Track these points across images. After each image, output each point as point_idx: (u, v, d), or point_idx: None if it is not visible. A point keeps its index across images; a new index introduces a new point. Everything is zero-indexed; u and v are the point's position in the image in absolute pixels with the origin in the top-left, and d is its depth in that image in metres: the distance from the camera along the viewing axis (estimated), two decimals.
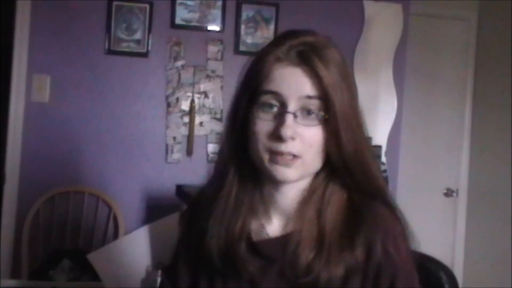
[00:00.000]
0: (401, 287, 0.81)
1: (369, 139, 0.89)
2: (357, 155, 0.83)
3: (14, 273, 2.54)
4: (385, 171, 2.83)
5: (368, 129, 0.89)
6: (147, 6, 2.67)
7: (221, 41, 2.75)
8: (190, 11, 2.72)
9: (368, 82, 2.83)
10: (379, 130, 2.89)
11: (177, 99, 2.71)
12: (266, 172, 0.82)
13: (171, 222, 2.17)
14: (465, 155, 3.48)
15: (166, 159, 2.70)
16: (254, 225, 0.88)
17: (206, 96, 2.73)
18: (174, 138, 2.70)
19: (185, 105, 2.71)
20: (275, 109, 0.80)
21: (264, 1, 2.79)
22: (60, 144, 2.62)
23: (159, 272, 1.99)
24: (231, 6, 2.76)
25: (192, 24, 2.73)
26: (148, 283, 2.03)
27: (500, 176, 3.19)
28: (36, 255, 2.55)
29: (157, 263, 2.03)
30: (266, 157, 0.81)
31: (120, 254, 2.18)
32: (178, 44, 2.71)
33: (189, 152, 2.71)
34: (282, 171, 0.80)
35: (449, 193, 3.43)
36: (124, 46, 2.67)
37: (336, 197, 0.85)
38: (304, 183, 0.85)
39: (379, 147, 2.84)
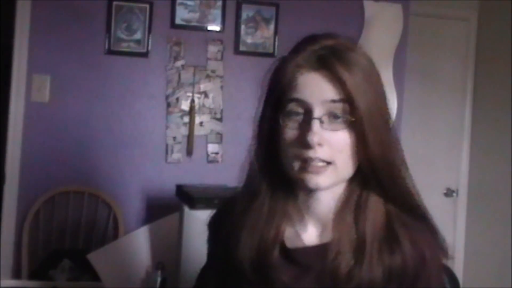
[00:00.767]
0: None
1: (398, 143, 0.86)
2: (385, 159, 0.81)
3: (15, 273, 2.54)
4: None
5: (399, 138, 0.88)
6: (147, 6, 2.67)
7: (221, 41, 2.75)
8: (190, 11, 2.72)
9: None
10: None
11: (177, 99, 2.71)
12: (298, 180, 0.81)
13: (171, 222, 2.17)
14: (465, 155, 3.48)
15: (166, 159, 2.70)
16: (288, 233, 0.86)
17: (206, 96, 2.73)
18: (174, 138, 2.70)
19: (185, 105, 2.71)
20: (301, 116, 0.79)
21: (264, 1, 2.79)
22: (60, 144, 2.62)
23: (159, 272, 1.99)
24: (231, 6, 2.76)
25: (192, 24, 2.73)
26: (148, 283, 2.03)
27: (500, 176, 3.19)
28: (36, 255, 2.55)
29: (157, 263, 2.03)
30: (296, 165, 0.80)
31: (120, 254, 2.18)
32: (178, 44, 2.71)
33: (189, 152, 2.71)
34: (314, 179, 0.79)
35: (449, 193, 3.43)
36: (124, 46, 2.67)
37: (372, 203, 0.83)
38: (339, 189, 0.84)
39: None
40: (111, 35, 2.65)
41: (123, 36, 2.66)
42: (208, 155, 2.73)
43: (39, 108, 2.60)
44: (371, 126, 0.79)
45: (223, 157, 2.73)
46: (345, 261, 0.79)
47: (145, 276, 2.13)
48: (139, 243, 2.20)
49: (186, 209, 1.84)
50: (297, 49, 0.83)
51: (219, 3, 2.74)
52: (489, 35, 3.39)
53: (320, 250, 0.82)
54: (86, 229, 2.59)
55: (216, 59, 2.75)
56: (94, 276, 2.15)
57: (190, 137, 2.70)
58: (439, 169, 3.43)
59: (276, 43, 2.78)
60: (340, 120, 0.78)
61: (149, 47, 2.68)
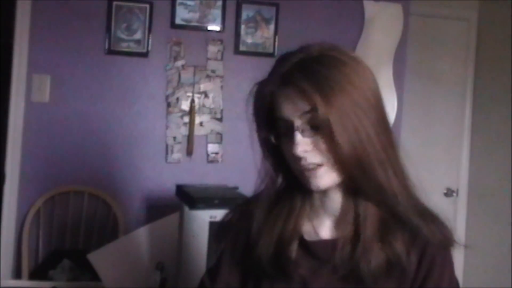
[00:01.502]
0: None
1: (385, 141, 0.86)
2: (359, 160, 0.83)
3: (15, 273, 2.55)
4: None
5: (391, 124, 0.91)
6: (147, 6, 2.67)
7: (221, 41, 2.75)
8: (190, 11, 2.72)
9: None
10: None
11: (177, 99, 2.71)
12: (304, 186, 0.89)
13: (171, 222, 2.17)
14: (465, 155, 3.48)
15: (166, 159, 2.70)
16: (306, 227, 0.93)
17: (206, 96, 2.73)
18: (174, 138, 2.70)
19: (185, 105, 2.71)
20: (288, 131, 0.85)
21: (264, 1, 2.79)
22: (60, 144, 2.62)
23: (159, 272, 1.99)
24: (231, 6, 2.76)
25: (192, 24, 2.73)
26: (148, 283, 2.03)
27: (500, 176, 3.19)
28: (36, 255, 2.55)
29: (157, 263, 2.03)
30: (298, 171, 0.87)
31: (120, 254, 2.18)
32: (178, 44, 2.71)
33: (189, 152, 2.71)
34: (314, 182, 0.86)
35: (449, 193, 3.43)
36: (124, 46, 2.67)
37: (366, 205, 0.89)
38: (342, 187, 0.90)
39: None
40: (111, 35, 2.65)
41: (123, 36, 2.66)
42: (208, 155, 2.73)
43: (39, 108, 2.60)
44: (342, 126, 0.81)
45: (223, 157, 2.74)
46: (349, 252, 0.86)
47: (145, 276, 2.13)
48: (139, 243, 2.20)
49: (186, 209, 1.84)
50: (270, 73, 0.89)
51: (219, 3, 2.74)
52: (489, 35, 3.39)
53: (334, 243, 0.89)
54: (86, 229, 2.59)
55: (216, 59, 2.75)
56: (94, 276, 2.15)
57: (190, 137, 2.70)
58: (439, 169, 3.43)
59: (276, 43, 2.78)
60: (315, 127, 0.84)
61: (149, 47, 2.68)
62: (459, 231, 3.42)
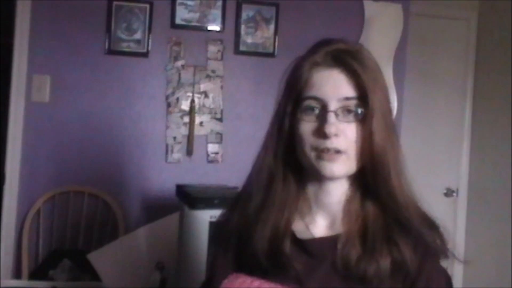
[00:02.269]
0: None
1: (398, 142, 0.90)
2: (385, 155, 0.85)
3: (15, 273, 2.54)
4: None
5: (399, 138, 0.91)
6: (147, 6, 2.67)
7: (221, 41, 2.75)
8: (190, 11, 2.72)
9: None
10: None
11: (177, 99, 2.71)
12: (314, 170, 0.86)
13: (171, 222, 2.17)
14: (465, 155, 3.48)
15: (166, 159, 2.70)
16: (298, 225, 0.91)
17: (206, 96, 2.73)
18: (174, 138, 2.70)
19: (185, 105, 2.71)
20: (317, 111, 0.85)
21: (264, 1, 2.79)
22: (60, 144, 2.62)
23: (159, 272, 1.99)
24: (231, 6, 2.76)
25: (192, 24, 2.73)
26: (148, 283, 2.03)
27: (500, 176, 3.19)
28: (36, 255, 2.55)
29: (157, 263, 2.03)
30: (313, 154, 0.85)
31: (120, 254, 2.18)
32: (178, 44, 2.71)
33: (189, 152, 2.71)
34: (330, 167, 0.84)
35: (449, 193, 3.43)
36: (124, 46, 2.67)
37: (370, 203, 0.88)
38: (347, 182, 0.89)
39: None
40: (111, 35, 2.65)
41: (123, 36, 2.66)
42: (208, 155, 2.73)
43: (39, 108, 2.60)
44: (379, 122, 0.84)
45: (223, 157, 2.73)
46: (355, 251, 0.84)
47: (145, 276, 2.13)
48: (139, 243, 2.20)
49: (186, 209, 1.84)
50: (313, 50, 0.89)
51: (219, 3, 2.74)
52: (489, 35, 3.39)
53: (331, 241, 0.87)
54: (86, 229, 2.59)
55: (216, 59, 2.74)
56: (94, 276, 2.15)
57: (190, 137, 2.70)
58: (439, 169, 3.43)
59: (276, 43, 2.78)
60: (352, 114, 0.84)
61: (149, 47, 2.68)
62: (459, 231, 3.42)
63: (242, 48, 2.77)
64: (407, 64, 3.01)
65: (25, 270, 2.49)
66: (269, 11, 2.79)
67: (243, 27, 2.77)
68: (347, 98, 0.83)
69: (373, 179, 0.85)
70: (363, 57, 0.86)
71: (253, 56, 2.77)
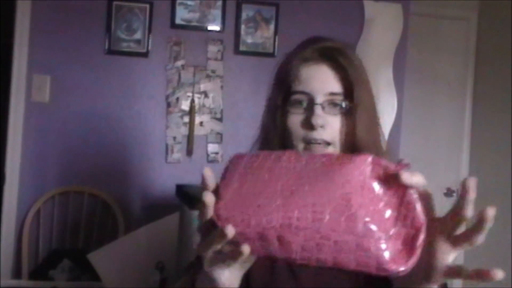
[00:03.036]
0: None
1: (382, 141, 0.93)
2: (367, 147, 0.87)
3: (15, 273, 2.54)
4: None
5: (383, 131, 0.95)
6: (147, 6, 2.67)
7: (221, 41, 2.75)
8: (190, 11, 2.72)
9: None
10: None
11: (177, 99, 2.71)
12: None
13: (171, 222, 2.17)
14: (465, 155, 3.48)
15: (166, 159, 2.70)
16: None
17: (206, 96, 2.74)
18: (174, 138, 2.70)
19: (185, 105, 2.71)
20: (305, 104, 0.88)
21: (264, 1, 2.79)
22: (60, 144, 2.62)
23: (159, 272, 1.99)
24: (231, 6, 2.76)
25: (192, 24, 2.73)
26: (148, 283, 2.03)
27: (500, 176, 3.19)
28: (36, 255, 2.55)
29: (157, 263, 2.03)
30: (301, 146, 0.88)
31: (120, 254, 2.18)
32: (178, 44, 2.71)
33: (189, 152, 2.71)
34: None
35: (449, 193, 3.43)
36: (124, 46, 2.67)
37: None
38: None
39: None
40: (111, 35, 2.65)
41: (123, 36, 2.66)
42: (208, 155, 2.73)
43: (39, 108, 2.60)
44: (362, 115, 0.87)
45: (223, 157, 2.73)
46: None
47: (145, 276, 2.13)
48: (139, 243, 2.20)
49: (186, 209, 1.84)
50: (301, 46, 0.92)
51: (219, 3, 2.74)
52: (489, 35, 3.39)
53: None
54: (86, 229, 2.59)
55: (216, 59, 2.75)
56: (94, 276, 2.15)
57: (190, 137, 2.70)
58: (439, 169, 3.43)
59: (276, 43, 2.78)
60: (338, 107, 0.88)
61: (149, 47, 2.68)
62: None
63: (242, 48, 2.77)
64: (407, 64, 3.01)
65: (25, 270, 2.49)
66: (269, 11, 2.79)
67: (243, 27, 2.77)
68: (333, 93, 0.87)
69: None
70: (349, 54, 0.90)
71: (253, 56, 2.77)
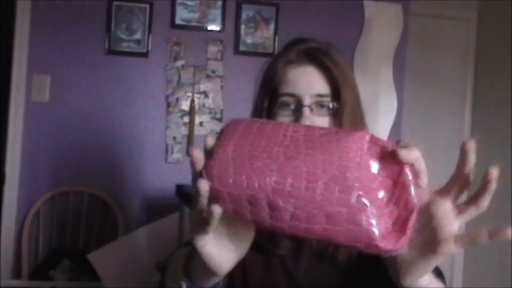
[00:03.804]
0: None
1: None
2: None
3: (15, 273, 2.54)
4: None
5: (369, 129, 0.94)
6: (147, 6, 2.67)
7: (221, 41, 2.75)
8: (190, 11, 2.72)
9: (368, 82, 2.84)
10: (379, 130, 2.89)
11: (177, 99, 2.71)
12: None
13: (171, 222, 2.17)
14: None
15: (166, 159, 2.70)
16: None
17: (206, 96, 2.74)
18: (174, 138, 2.70)
19: (185, 105, 2.71)
20: (293, 106, 0.88)
21: (264, 1, 2.79)
22: (60, 144, 2.62)
23: (159, 272, 1.99)
24: (231, 6, 2.76)
25: (192, 24, 2.73)
26: (148, 283, 2.03)
27: (500, 176, 3.18)
28: (36, 255, 2.55)
29: (157, 263, 2.03)
30: None
31: (120, 254, 2.18)
32: (178, 44, 2.71)
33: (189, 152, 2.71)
34: None
35: None
36: (124, 46, 2.67)
37: None
38: None
39: None
40: (111, 35, 2.65)
41: (123, 36, 2.66)
42: None
43: (39, 108, 2.60)
44: (348, 115, 0.88)
45: None
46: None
47: (145, 276, 2.13)
48: (139, 243, 2.20)
49: (186, 209, 1.84)
50: (286, 49, 0.93)
51: (219, 3, 2.74)
52: (489, 35, 3.39)
53: None
54: (86, 229, 2.59)
55: (216, 59, 2.75)
56: (94, 276, 2.15)
57: (190, 137, 2.70)
58: (439, 169, 3.42)
59: (276, 43, 2.78)
60: (325, 108, 0.88)
61: (149, 47, 2.68)
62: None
63: (242, 48, 2.77)
64: (407, 64, 3.01)
65: (25, 270, 2.49)
66: (269, 11, 2.79)
67: (243, 27, 2.77)
68: (320, 95, 0.87)
69: None
70: (334, 54, 0.90)
71: (253, 56, 2.76)
